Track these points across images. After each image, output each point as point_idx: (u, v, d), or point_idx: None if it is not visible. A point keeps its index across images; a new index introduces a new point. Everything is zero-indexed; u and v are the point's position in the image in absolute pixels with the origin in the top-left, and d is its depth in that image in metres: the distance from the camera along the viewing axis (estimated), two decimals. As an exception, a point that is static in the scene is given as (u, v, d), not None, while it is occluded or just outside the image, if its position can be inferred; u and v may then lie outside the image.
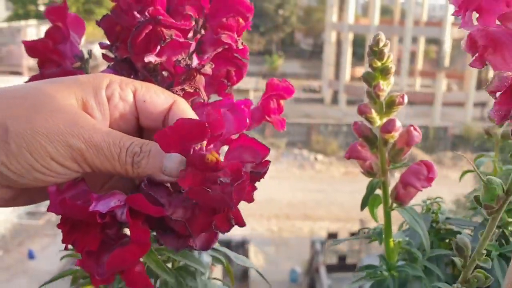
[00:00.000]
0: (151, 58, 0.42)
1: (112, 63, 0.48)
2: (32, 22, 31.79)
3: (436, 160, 18.14)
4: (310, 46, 42.93)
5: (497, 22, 0.36)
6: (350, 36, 24.97)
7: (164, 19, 0.41)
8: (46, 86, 0.35)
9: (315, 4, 43.30)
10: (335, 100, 24.98)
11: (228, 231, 0.37)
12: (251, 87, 22.95)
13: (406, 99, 0.59)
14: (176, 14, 0.43)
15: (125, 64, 0.46)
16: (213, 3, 0.43)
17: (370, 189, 0.61)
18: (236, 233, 12.39)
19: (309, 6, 43.87)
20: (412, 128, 0.59)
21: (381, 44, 0.55)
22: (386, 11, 43.18)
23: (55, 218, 11.87)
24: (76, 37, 0.54)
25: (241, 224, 0.38)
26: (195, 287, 0.53)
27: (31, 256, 10.75)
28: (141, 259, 0.37)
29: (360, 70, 26.86)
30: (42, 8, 34.90)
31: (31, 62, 26.55)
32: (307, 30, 42.93)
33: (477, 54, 0.37)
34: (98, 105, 0.35)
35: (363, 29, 25.01)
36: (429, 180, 0.59)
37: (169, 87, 0.41)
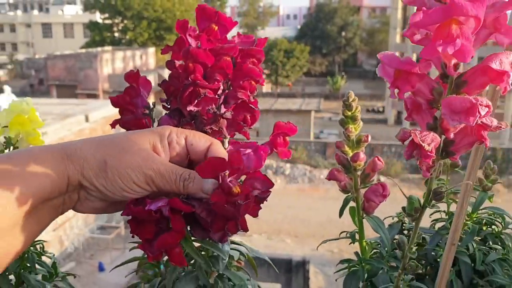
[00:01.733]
0: (191, 108, 0.62)
1: (168, 112, 0.69)
2: (108, 48, 33.84)
3: (505, 183, 17.21)
4: (373, 67, 42.47)
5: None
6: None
7: (200, 83, 0.61)
8: (130, 135, 0.51)
9: (378, 25, 42.94)
10: (398, 121, 24.52)
11: (235, 233, 0.55)
12: (312, 107, 23.09)
13: (369, 139, 0.80)
14: (209, 79, 0.63)
15: (176, 112, 0.66)
16: (234, 71, 0.63)
17: (345, 202, 0.81)
18: (297, 253, 12.45)
19: (372, 27, 43.57)
20: (376, 159, 0.80)
21: (350, 99, 0.75)
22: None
23: (124, 232, 12.48)
24: (145, 93, 0.71)
25: (245, 229, 0.55)
26: (218, 269, 0.72)
27: (101, 268, 11.35)
28: (180, 245, 0.54)
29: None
30: (116, 35, 37.19)
31: (106, 86, 28.25)
32: (370, 51, 42.57)
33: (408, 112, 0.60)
34: (162, 148, 0.51)
35: (428, 49, 24.54)
36: (384, 196, 0.79)
37: (203, 127, 0.63)
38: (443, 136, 0.57)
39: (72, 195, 0.48)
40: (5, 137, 0.82)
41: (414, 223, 0.66)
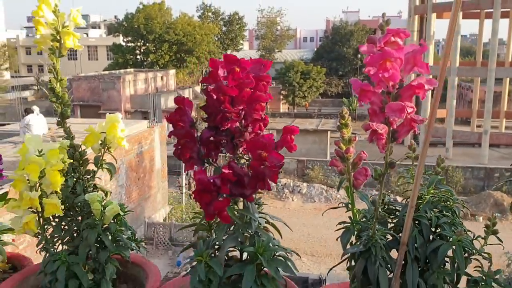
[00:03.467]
0: (224, 126, 0.95)
1: (207, 126, 1.00)
2: (130, 70, 34.74)
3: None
4: (389, 88, 42.54)
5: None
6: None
7: (227, 110, 0.95)
8: None
9: (394, 47, 43.05)
10: (415, 141, 24.65)
11: (263, 189, 0.89)
12: (329, 127, 23.40)
13: (357, 138, 1.15)
14: (235, 104, 0.95)
15: (213, 128, 0.97)
16: (247, 99, 0.94)
17: (341, 181, 1.17)
18: (313, 272, 12.61)
19: (388, 49, 43.65)
20: (362, 153, 1.16)
21: (344, 112, 1.13)
22: (468, 53, 42.09)
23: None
24: (189, 111, 0.99)
25: (269, 188, 0.91)
26: (251, 229, 1.00)
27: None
28: (227, 210, 0.87)
29: (441, 112, 26.40)
30: (139, 57, 38.20)
31: (128, 106, 29.03)
32: (386, 73, 42.73)
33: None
34: None
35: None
36: (366, 176, 1.14)
37: (233, 137, 0.96)
38: (391, 129, 0.95)
39: None
40: (101, 140, 1.20)
41: (379, 186, 1.07)
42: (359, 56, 41.32)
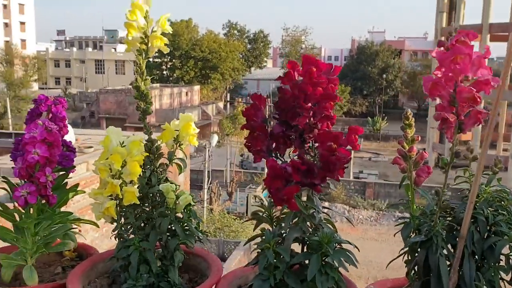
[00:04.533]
0: (296, 122, 1.01)
1: (278, 121, 1.07)
2: (156, 85, 35.30)
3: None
4: (413, 109, 42.36)
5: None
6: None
7: (300, 106, 0.97)
8: None
9: (420, 68, 43.11)
10: (439, 164, 24.33)
11: (333, 178, 0.95)
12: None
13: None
14: (307, 102, 1.01)
15: (284, 122, 1.02)
16: (319, 96, 1.00)
17: (403, 179, 1.21)
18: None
19: (413, 70, 43.83)
20: (423, 151, 1.19)
21: (408, 114, 1.15)
22: (495, 76, 41.46)
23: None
24: (262, 108, 1.08)
25: (337, 179, 0.97)
26: (315, 221, 1.07)
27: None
28: (294, 198, 0.94)
29: (465, 134, 25.93)
30: (165, 72, 38.92)
31: (153, 120, 29.50)
32: (411, 94, 42.58)
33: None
34: None
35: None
36: (428, 173, 1.18)
37: (303, 133, 1.03)
38: (458, 120, 1.00)
39: None
40: (174, 137, 1.27)
41: (444, 175, 1.12)
42: (384, 76, 41.23)
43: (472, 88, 0.97)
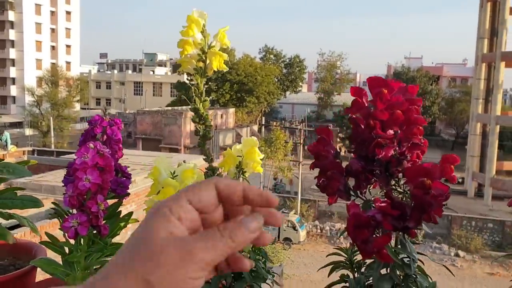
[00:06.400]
0: (379, 155, 0.82)
1: (355, 156, 0.87)
2: (191, 107, 35.86)
3: None
4: (451, 136, 41.34)
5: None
6: (497, 128, 23.80)
7: (380, 135, 0.81)
8: (162, 249, 0.40)
9: (458, 95, 42.19)
10: (479, 194, 23.48)
11: (429, 221, 0.73)
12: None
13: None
14: (386, 129, 0.86)
15: (363, 157, 0.85)
16: (404, 122, 0.85)
17: None
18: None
19: (451, 97, 42.96)
20: None
21: None
22: (539, 103, 40.27)
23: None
24: (331, 141, 0.93)
25: (435, 222, 0.72)
26: (410, 272, 0.90)
27: None
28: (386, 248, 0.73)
29: (509, 164, 25.12)
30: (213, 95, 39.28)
31: (187, 141, 29.88)
32: (448, 121, 41.65)
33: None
34: (177, 228, 0.41)
35: (512, 121, 23.81)
36: None
37: (389, 167, 0.86)
38: None
39: None
40: (237, 164, 1.17)
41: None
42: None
43: None
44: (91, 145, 1.07)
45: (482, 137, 25.22)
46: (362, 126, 0.87)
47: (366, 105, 0.89)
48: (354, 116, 0.89)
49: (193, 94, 1.17)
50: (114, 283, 0.40)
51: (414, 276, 0.91)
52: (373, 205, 0.80)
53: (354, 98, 0.92)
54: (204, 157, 1.17)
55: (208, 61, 1.13)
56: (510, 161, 24.69)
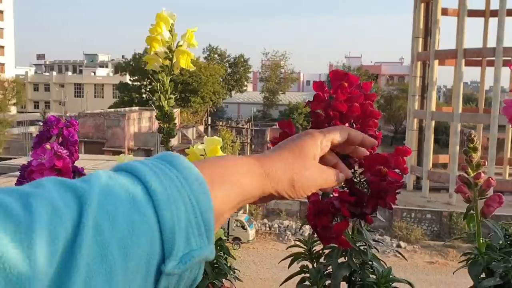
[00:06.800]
0: None
1: None
2: (135, 108, 35.17)
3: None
4: (390, 132, 42.98)
5: None
6: (433, 124, 25.04)
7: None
8: (305, 153, 0.61)
9: (396, 93, 43.99)
10: (417, 186, 24.60)
11: (384, 207, 0.74)
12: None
13: (486, 163, 1.04)
14: (345, 122, 0.86)
15: None
16: (361, 115, 0.85)
17: (468, 210, 1.06)
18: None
19: (389, 94, 44.60)
20: (490, 179, 1.06)
21: (472, 136, 1.03)
22: (469, 100, 42.76)
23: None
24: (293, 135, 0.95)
25: (390, 208, 0.73)
26: (365, 257, 0.95)
27: None
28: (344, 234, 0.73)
29: (444, 157, 26.49)
30: (144, 96, 38.75)
31: (131, 143, 29.20)
32: (387, 118, 43.29)
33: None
34: (318, 154, 0.63)
35: (446, 117, 25.06)
36: (500, 203, 1.05)
37: (347, 158, 0.83)
38: None
39: (259, 199, 0.58)
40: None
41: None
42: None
43: None
44: (48, 146, 1.06)
45: (419, 132, 26.37)
46: (322, 119, 0.88)
47: (327, 97, 0.89)
48: (315, 110, 0.90)
49: (158, 92, 1.17)
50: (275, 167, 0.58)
51: (371, 263, 0.95)
52: (331, 194, 0.83)
53: (316, 92, 0.92)
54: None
55: (175, 59, 1.13)
56: (445, 154, 25.98)
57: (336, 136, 0.65)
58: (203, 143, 1.21)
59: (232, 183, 0.52)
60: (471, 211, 1.07)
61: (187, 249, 0.44)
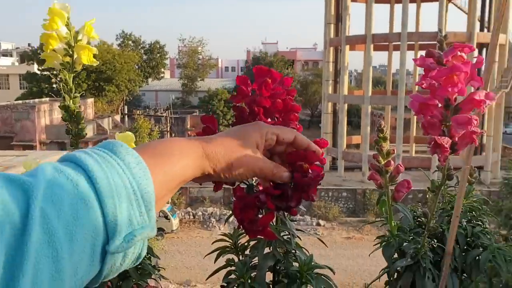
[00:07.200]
0: None
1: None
2: (45, 99, 33.17)
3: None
4: (307, 116, 44.31)
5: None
6: (345, 107, 26.18)
7: (265, 121, 0.81)
8: (246, 140, 0.65)
9: (311, 77, 45.34)
10: (333, 166, 25.72)
11: (307, 200, 0.75)
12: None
13: (396, 152, 1.21)
14: (268, 116, 0.84)
15: None
16: (283, 110, 0.85)
17: (380, 196, 1.10)
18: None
19: (305, 79, 45.54)
20: (399, 165, 1.08)
21: (382, 126, 1.06)
22: (378, 83, 45.18)
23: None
24: (216, 130, 0.88)
25: (312, 199, 0.75)
26: (289, 246, 0.96)
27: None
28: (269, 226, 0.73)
29: (356, 138, 27.88)
30: (55, 86, 36.57)
31: (43, 136, 27.60)
32: (304, 102, 44.51)
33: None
34: (261, 145, 0.67)
35: (358, 100, 26.22)
36: (409, 188, 1.07)
37: (269, 151, 0.76)
38: (452, 141, 0.88)
39: (198, 177, 0.63)
40: None
41: (434, 197, 1.02)
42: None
43: (469, 116, 0.89)
44: None
45: (333, 115, 27.34)
46: (246, 114, 0.89)
47: (250, 92, 0.91)
48: (238, 104, 0.91)
49: (62, 91, 1.09)
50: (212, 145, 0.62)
51: (294, 251, 1.00)
52: (256, 189, 0.84)
53: (239, 86, 0.93)
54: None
55: (76, 56, 1.06)
56: (357, 136, 27.31)
57: (283, 133, 0.69)
58: (121, 132, 1.12)
59: (173, 164, 0.56)
60: (383, 197, 1.12)
61: (130, 229, 0.48)
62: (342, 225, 19.91)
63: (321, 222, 19.71)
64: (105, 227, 0.47)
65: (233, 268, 1.07)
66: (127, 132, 1.13)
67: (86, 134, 1.14)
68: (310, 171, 0.75)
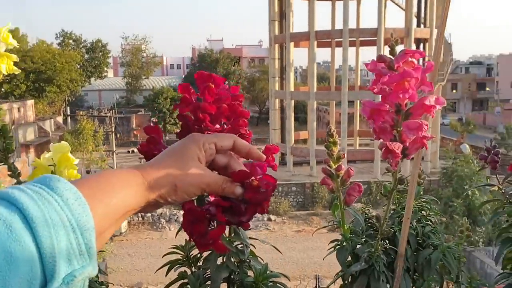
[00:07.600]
0: None
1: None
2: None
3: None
4: (255, 113, 44.57)
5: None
6: (292, 103, 26.51)
7: (210, 128, 0.80)
8: (186, 158, 0.63)
9: (258, 74, 45.59)
10: (283, 162, 26.04)
11: (262, 213, 0.73)
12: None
13: (345, 154, 1.10)
14: (215, 122, 0.81)
15: None
16: (230, 115, 0.83)
17: (333, 199, 1.39)
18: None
19: (252, 76, 45.85)
20: (349, 169, 1.09)
21: (332, 131, 1.06)
22: (322, 79, 46.08)
23: None
24: (161, 140, 0.85)
25: (266, 211, 0.73)
26: (244, 257, 0.94)
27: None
28: (220, 239, 0.72)
29: (304, 133, 28.33)
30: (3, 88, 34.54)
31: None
32: (252, 99, 44.75)
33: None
34: (202, 157, 0.65)
35: (304, 96, 26.63)
36: (360, 192, 1.07)
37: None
38: (403, 146, 0.88)
39: (144, 207, 0.61)
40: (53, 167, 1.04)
41: (386, 202, 1.03)
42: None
43: (419, 121, 0.90)
44: None
45: (281, 111, 27.67)
46: (192, 122, 0.85)
47: (194, 101, 0.87)
48: (183, 113, 0.87)
49: None
50: (152, 171, 0.61)
51: (248, 261, 0.99)
52: (208, 199, 0.82)
53: (182, 95, 0.89)
54: (9, 173, 1.04)
55: None
56: (305, 131, 27.76)
57: (220, 141, 0.68)
58: (61, 139, 1.10)
59: (112, 197, 0.54)
60: (335, 201, 1.12)
61: (70, 270, 0.45)
62: (292, 219, 20.19)
63: (272, 217, 19.88)
64: (43, 269, 0.44)
65: (185, 280, 1.04)
66: (62, 142, 1.08)
67: (14, 148, 1.06)
68: (262, 182, 0.71)
